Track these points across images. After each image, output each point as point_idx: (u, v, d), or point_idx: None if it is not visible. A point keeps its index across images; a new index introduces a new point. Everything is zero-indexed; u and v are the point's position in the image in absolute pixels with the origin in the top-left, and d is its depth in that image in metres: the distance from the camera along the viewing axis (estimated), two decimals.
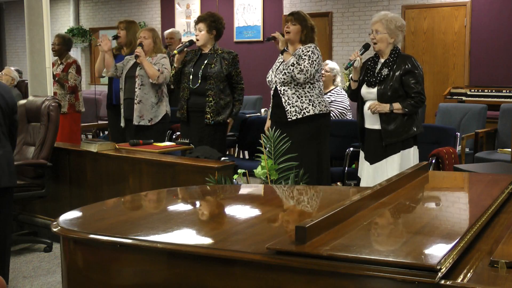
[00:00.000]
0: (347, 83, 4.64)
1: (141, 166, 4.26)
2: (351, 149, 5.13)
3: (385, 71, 4.05)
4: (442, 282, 1.46)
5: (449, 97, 8.11)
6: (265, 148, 3.62)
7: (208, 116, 4.86)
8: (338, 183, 5.22)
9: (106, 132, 7.31)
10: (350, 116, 5.85)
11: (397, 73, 4.02)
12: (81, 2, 13.53)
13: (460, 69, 8.65)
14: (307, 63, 4.40)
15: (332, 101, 5.64)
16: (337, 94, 5.80)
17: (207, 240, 1.97)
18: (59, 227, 2.06)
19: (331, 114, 5.00)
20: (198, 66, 4.96)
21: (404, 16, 8.96)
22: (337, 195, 2.59)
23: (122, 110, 5.36)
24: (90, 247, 1.99)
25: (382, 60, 4.14)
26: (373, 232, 1.90)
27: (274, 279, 1.66)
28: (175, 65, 5.10)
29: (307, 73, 4.40)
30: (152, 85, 5.15)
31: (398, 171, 3.62)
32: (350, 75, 4.34)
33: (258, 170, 3.59)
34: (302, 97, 4.47)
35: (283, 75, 4.48)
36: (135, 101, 5.15)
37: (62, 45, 6.56)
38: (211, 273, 1.75)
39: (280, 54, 4.60)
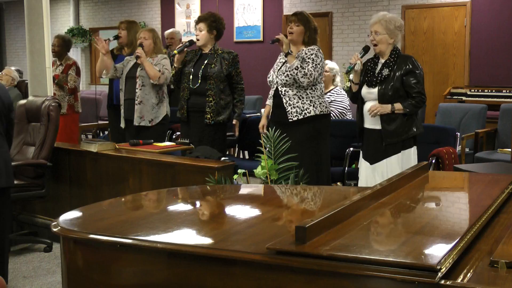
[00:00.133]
0: (347, 83, 4.64)
1: (141, 166, 4.26)
2: (351, 149, 5.13)
3: (385, 72, 4.05)
4: (442, 282, 1.46)
5: (449, 97, 8.12)
6: (265, 148, 3.62)
7: (208, 116, 4.87)
8: (338, 183, 5.22)
9: (106, 132, 7.31)
10: (350, 116, 5.85)
11: (398, 73, 4.02)
12: (81, 2, 13.53)
13: (460, 69, 8.65)
14: (311, 67, 4.40)
15: (331, 101, 5.64)
16: (337, 94, 5.79)
17: (207, 240, 1.97)
18: (59, 227, 2.06)
19: (331, 114, 5.00)
20: (198, 66, 4.96)
21: (404, 16, 8.96)
22: (337, 195, 2.59)
23: (122, 111, 5.36)
24: (90, 247, 1.99)
25: (382, 61, 4.14)
26: (373, 232, 1.90)
27: (274, 279, 1.66)
28: (175, 65, 5.10)
29: (311, 77, 4.40)
30: (153, 86, 5.15)
31: (398, 171, 3.62)
32: (351, 76, 4.33)
33: (258, 170, 3.59)
34: (303, 98, 4.47)
35: (285, 76, 4.47)
36: (136, 102, 5.15)
37: (62, 46, 6.55)
38: (211, 273, 1.75)
39: (283, 56, 4.57)
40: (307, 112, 4.46)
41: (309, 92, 4.49)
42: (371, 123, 4.12)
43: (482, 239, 1.79)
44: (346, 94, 5.50)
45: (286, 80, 4.47)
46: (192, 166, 4.02)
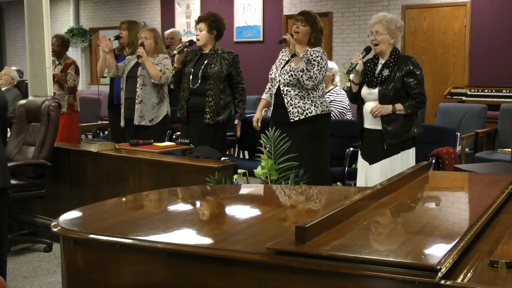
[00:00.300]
0: (347, 83, 4.64)
1: (141, 166, 4.26)
2: (351, 149, 5.13)
3: (386, 72, 4.06)
4: (442, 282, 1.46)
5: (449, 97, 8.12)
6: (265, 148, 3.62)
7: (208, 116, 4.87)
8: (338, 183, 5.22)
9: (106, 132, 7.32)
10: (350, 115, 5.85)
11: (398, 74, 4.03)
12: (81, 2, 13.53)
13: (460, 69, 8.65)
14: (316, 70, 4.40)
15: (331, 101, 5.64)
16: (337, 93, 5.79)
17: (207, 240, 1.97)
18: (59, 227, 2.06)
19: (331, 114, 5.00)
20: (198, 66, 4.96)
21: (404, 16, 8.96)
22: (337, 195, 2.59)
23: (122, 110, 5.36)
24: (90, 247, 1.99)
25: (382, 61, 4.14)
26: (373, 232, 1.90)
27: (274, 279, 1.66)
28: (175, 65, 5.10)
29: (316, 80, 4.40)
30: (153, 86, 5.15)
31: (397, 172, 3.62)
32: (351, 76, 4.33)
33: (258, 170, 3.59)
34: (305, 98, 4.47)
35: (289, 76, 4.47)
36: (136, 101, 5.16)
37: (61, 46, 6.57)
38: (211, 273, 1.75)
39: (287, 55, 4.55)
40: (309, 112, 4.46)
41: (311, 92, 4.49)
42: (371, 123, 4.13)
43: (482, 239, 1.79)
44: (346, 94, 5.50)
45: (290, 80, 4.47)
46: (192, 166, 4.02)
